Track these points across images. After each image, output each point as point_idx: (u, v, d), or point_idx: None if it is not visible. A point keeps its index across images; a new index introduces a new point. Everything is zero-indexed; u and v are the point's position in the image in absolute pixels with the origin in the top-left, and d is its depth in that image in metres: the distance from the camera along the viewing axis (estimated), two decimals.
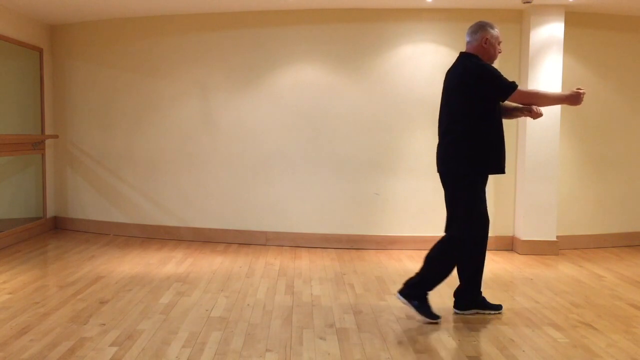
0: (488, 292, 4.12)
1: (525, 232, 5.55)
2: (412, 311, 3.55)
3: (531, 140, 5.49)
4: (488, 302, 3.73)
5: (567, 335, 3.33)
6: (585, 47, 5.72)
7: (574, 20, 5.60)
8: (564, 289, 4.32)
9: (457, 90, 3.55)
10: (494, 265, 5.14)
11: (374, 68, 5.77)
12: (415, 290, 3.57)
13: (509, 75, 5.60)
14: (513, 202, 5.76)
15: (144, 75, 6.17)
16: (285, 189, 5.91)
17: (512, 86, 3.48)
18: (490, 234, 5.66)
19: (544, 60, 5.45)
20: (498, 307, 3.73)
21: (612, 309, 3.83)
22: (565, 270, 4.96)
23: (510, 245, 5.77)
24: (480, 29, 3.61)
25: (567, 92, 3.63)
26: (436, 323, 3.50)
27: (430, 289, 3.59)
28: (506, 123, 5.64)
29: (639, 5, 5.42)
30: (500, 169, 3.57)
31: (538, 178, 5.50)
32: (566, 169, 5.76)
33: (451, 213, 3.59)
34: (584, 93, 3.57)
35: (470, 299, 3.69)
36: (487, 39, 3.57)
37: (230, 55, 5.94)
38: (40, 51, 6.28)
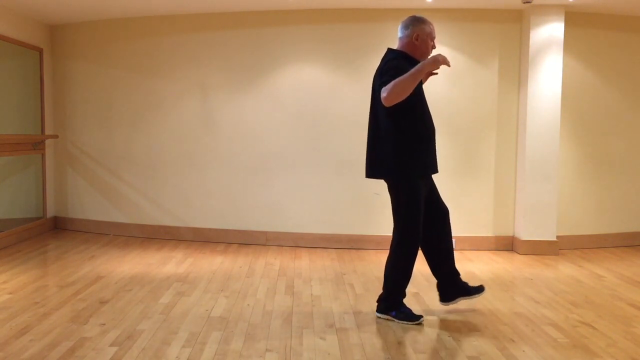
0: (488, 292, 4.12)
1: (525, 232, 5.55)
2: (395, 322, 3.53)
3: (531, 140, 5.49)
4: (470, 287, 3.72)
5: (567, 335, 3.33)
6: (585, 47, 5.72)
7: (574, 20, 5.60)
8: (564, 289, 4.32)
9: (376, 88, 3.46)
10: (494, 265, 5.14)
11: (374, 68, 5.71)
12: (388, 303, 3.58)
13: (509, 75, 5.68)
14: (513, 202, 5.76)
15: (144, 75, 6.17)
16: (285, 189, 5.91)
17: (382, 86, 3.24)
18: (490, 234, 5.76)
19: (544, 60, 5.45)
20: (480, 289, 3.71)
21: (612, 309, 3.83)
22: (565, 270, 4.96)
23: (510, 245, 5.77)
24: (411, 24, 3.48)
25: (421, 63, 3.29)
26: (420, 323, 3.49)
27: (403, 295, 3.59)
28: (504, 123, 5.73)
29: (639, 5, 5.42)
30: (430, 170, 3.52)
31: (538, 178, 5.50)
32: (566, 169, 5.76)
33: (394, 217, 3.57)
34: (439, 60, 3.27)
35: (452, 289, 3.69)
36: (418, 35, 3.46)
37: (230, 55, 5.94)
38: (40, 51, 6.28)
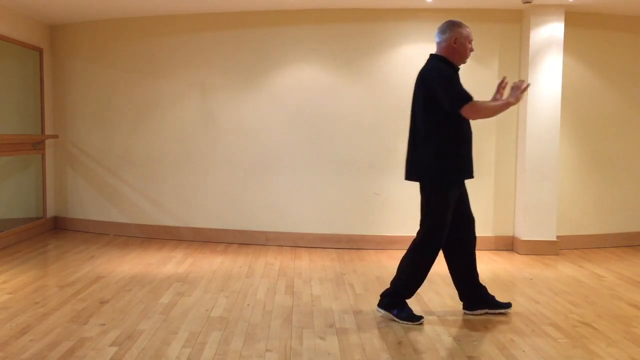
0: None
1: (525, 232, 5.55)
2: (394, 319, 3.54)
3: (531, 140, 5.49)
4: (497, 301, 3.71)
5: (567, 335, 3.33)
6: (585, 47, 5.72)
7: (574, 20, 5.60)
8: (564, 289, 4.32)
9: (421, 92, 3.50)
10: (494, 265, 5.14)
11: (374, 68, 5.77)
12: (392, 299, 3.57)
13: (509, 75, 5.64)
14: (513, 202, 5.76)
15: (144, 75, 6.17)
16: (285, 189, 5.91)
17: (465, 101, 3.35)
18: (490, 234, 5.76)
19: (544, 60, 5.45)
20: (507, 305, 3.72)
21: (612, 309, 3.83)
22: (565, 270, 4.96)
23: (510, 245, 5.77)
24: (449, 28, 3.53)
25: (509, 98, 3.45)
26: (420, 324, 3.49)
27: (408, 296, 3.59)
28: (504, 123, 5.73)
29: (639, 5, 5.42)
30: (467, 175, 3.54)
31: (538, 178, 5.50)
32: (566, 168, 5.76)
33: (422, 218, 3.58)
34: (520, 89, 3.43)
35: (476, 299, 3.68)
36: (456, 38, 3.49)
37: (230, 55, 5.94)
38: (40, 51, 6.28)
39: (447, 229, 3.52)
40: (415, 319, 3.51)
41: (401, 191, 5.78)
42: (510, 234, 5.78)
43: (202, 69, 6.01)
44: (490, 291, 3.75)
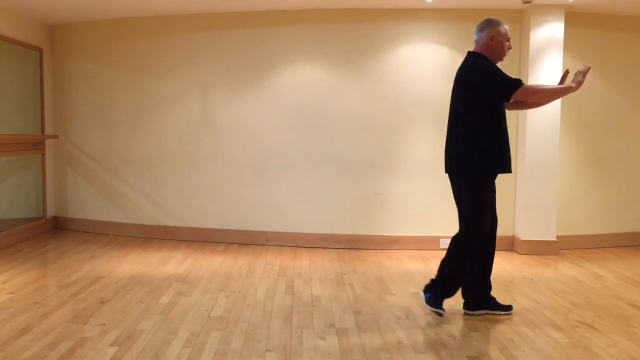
0: None
1: (525, 232, 5.55)
2: (422, 302, 3.58)
3: (531, 140, 5.49)
4: (498, 303, 3.72)
5: (567, 335, 3.33)
6: (585, 47, 5.72)
7: (574, 20, 5.60)
8: (564, 289, 4.32)
9: (459, 90, 3.56)
10: (494, 265, 5.12)
11: (373, 68, 5.77)
12: (434, 287, 3.57)
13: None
14: (513, 202, 5.76)
15: (144, 75, 6.17)
16: (285, 188, 5.91)
17: (516, 85, 3.41)
18: None
19: (544, 60, 5.45)
20: (508, 308, 3.72)
21: (612, 309, 3.83)
22: (565, 270, 4.96)
23: (510, 245, 5.76)
24: (487, 26, 3.57)
25: (569, 83, 3.48)
26: (440, 314, 3.52)
27: (449, 294, 3.59)
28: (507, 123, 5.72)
29: (639, 5, 5.42)
30: (504, 169, 3.56)
31: (538, 178, 5.50)
32: (566, 168, 5.76)
33: (459, 213, 3.61)
34: (582, 73, 3.45)
35: (478, 299, 3.69)
36: (493, 36, 3.53)
37: (230, 55, 5.94)
38: (40, 51, 6.28)
39: (487, 223, 3.53)
40: (440, 309, 3.52)
41: (401, 191, 5.78)
42: (510, 234, 5.78)
43: (202, 69, 6.01)
44: (491, 291, 3.75)
